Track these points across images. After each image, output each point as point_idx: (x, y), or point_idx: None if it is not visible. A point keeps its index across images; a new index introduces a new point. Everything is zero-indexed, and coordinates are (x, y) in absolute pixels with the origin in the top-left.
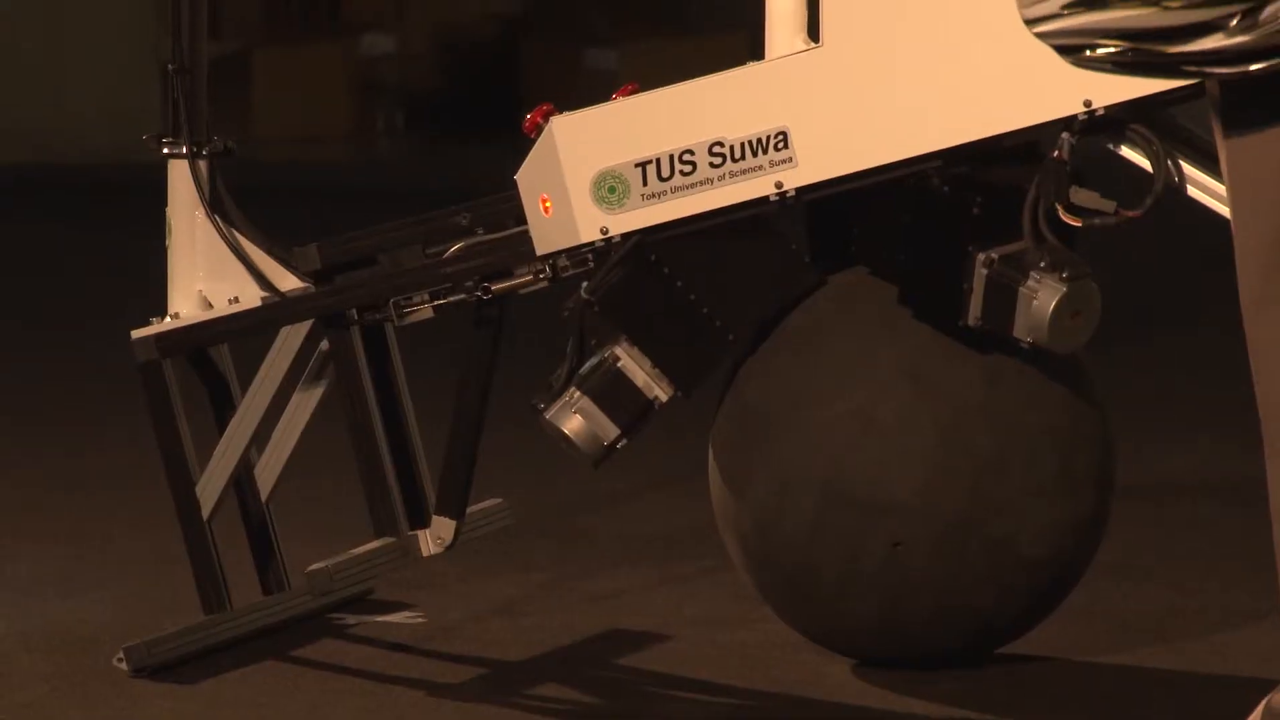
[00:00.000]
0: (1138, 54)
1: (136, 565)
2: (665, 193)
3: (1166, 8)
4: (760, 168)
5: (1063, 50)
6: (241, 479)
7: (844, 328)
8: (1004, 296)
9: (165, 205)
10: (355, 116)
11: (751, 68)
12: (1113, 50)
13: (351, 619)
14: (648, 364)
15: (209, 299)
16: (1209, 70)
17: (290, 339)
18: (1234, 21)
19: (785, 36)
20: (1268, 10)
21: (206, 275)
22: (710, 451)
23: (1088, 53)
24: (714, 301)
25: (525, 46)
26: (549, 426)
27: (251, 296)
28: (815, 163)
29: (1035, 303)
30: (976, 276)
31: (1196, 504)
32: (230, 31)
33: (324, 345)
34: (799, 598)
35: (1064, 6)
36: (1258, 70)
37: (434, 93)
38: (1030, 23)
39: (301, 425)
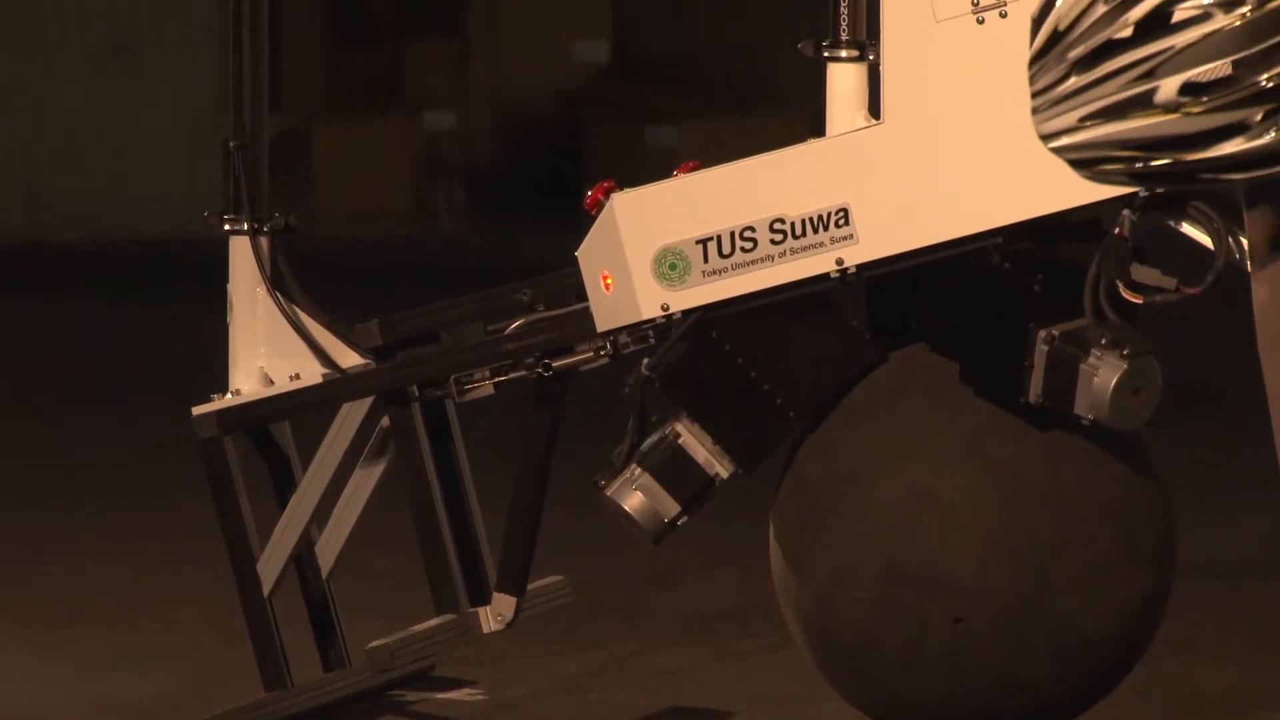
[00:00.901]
0: (1152, 165)
1: (198, 642)
2: (726, 269)
3: (1188, 113)
4: (821, 244)
5: (1077, 165)
6: (302, 556)
7: (904, 404)
8: (1065, 373)
9: (227, 281)
10: (417, 193)
11: (812, 145)
12: (1126, 164)
13: (412, 696)
14: (708, 441)
15: (270, 375)
16: (1225, 177)
17: (351, 415)
18: (1257, 121)
19: (846, 113)
20: None
21: (268, 351)
22: (771, 528)
23: (1103, 166)
24: (775, 378)
25: (587, 123)
26: (610, 503)
27: (313, 373)
28: (876, 239)
29: (1096, 380)
30: (1038, 353)
31: (1260, 582)
32: (292, 107)
33: (385, 422)
34: (860, 675)
35: (1082, 119)
36: (1274, 173)
37: (496, 169)
38: (1046, 138)
39: (362, 502)
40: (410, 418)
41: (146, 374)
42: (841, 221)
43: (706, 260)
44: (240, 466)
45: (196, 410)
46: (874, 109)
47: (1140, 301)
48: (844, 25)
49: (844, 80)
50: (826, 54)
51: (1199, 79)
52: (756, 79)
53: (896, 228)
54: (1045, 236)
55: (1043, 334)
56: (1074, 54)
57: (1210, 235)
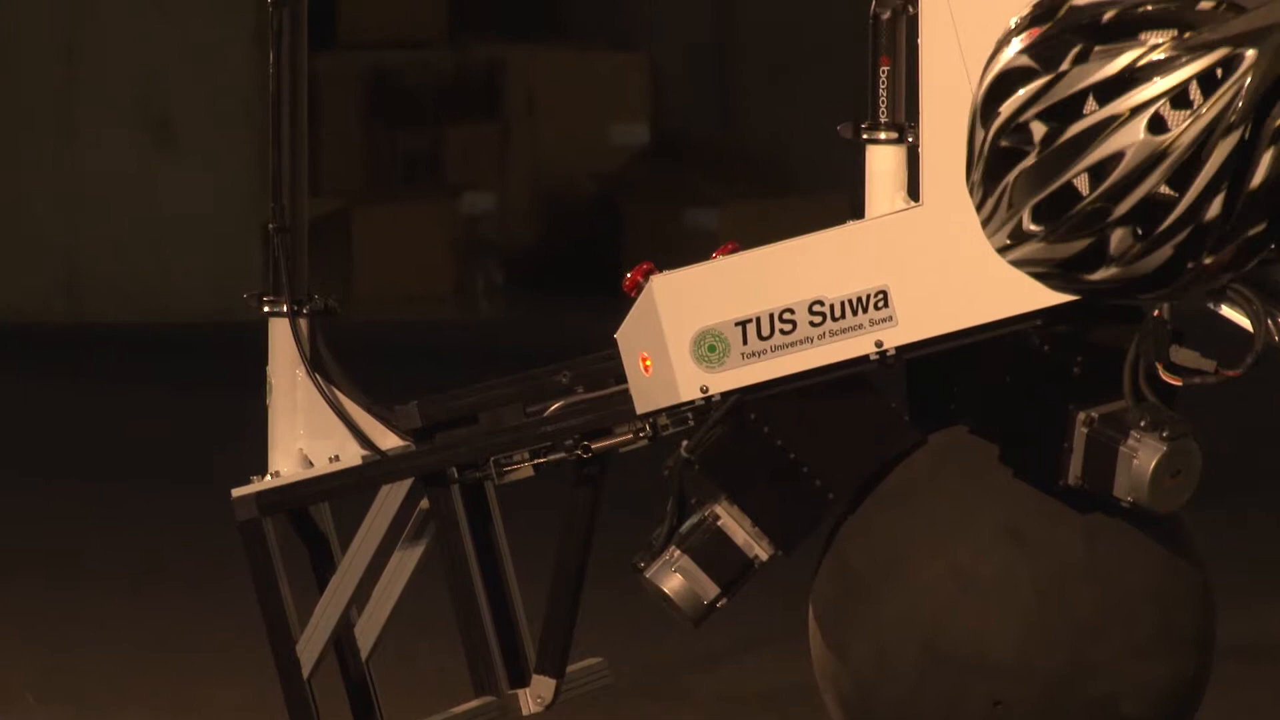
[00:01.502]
0: (1073, 283)
1: None
2: (765, 351)
3: (1050, 240)
4: (860, 326)
5: (1032, 276)
6: (342, 638)
7: (943, 486)
8: (1104, 456)
9: (266, 363)
10: (455, 275)
11: (851, 226)
12: (1059, 280)
13: None
14: (748, 523)
15: (310, 457)
16: (1138, 298)
17: (391, 497)
18: (1111, 246)
19: (885, 195)
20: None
21: (307, 433)
22: (810, 610)
23: (1046, 280)
24: (814, 460)
25: (626, 206)
26: (649, 585)
27: (352, 455)
28: (916, 322)
29: (1136, 462)
30: (1077, 435)
31: None
32: (331, 189)
33: (424, 504)
34: None
35: (1005, 242)
36: (1149, 299)
37: (535, 251)
38: (999, 252)
39: (402, 584)
40: (450, 499)
41: (185, 456)
42: (881, 303)
43: (745, 342)
44: (280, 548)
45: (236, 492)
46: (913, 191)
47: (1179, 384)
48: (883, 107)
49: (883, 162)
50: (865, 136)
51: (1046, 203)
52: (795, 161)
53: (936, 310)
54: (1084, 318)
55: (1082, 416)
56: (974, 178)
57: (1249, 317)
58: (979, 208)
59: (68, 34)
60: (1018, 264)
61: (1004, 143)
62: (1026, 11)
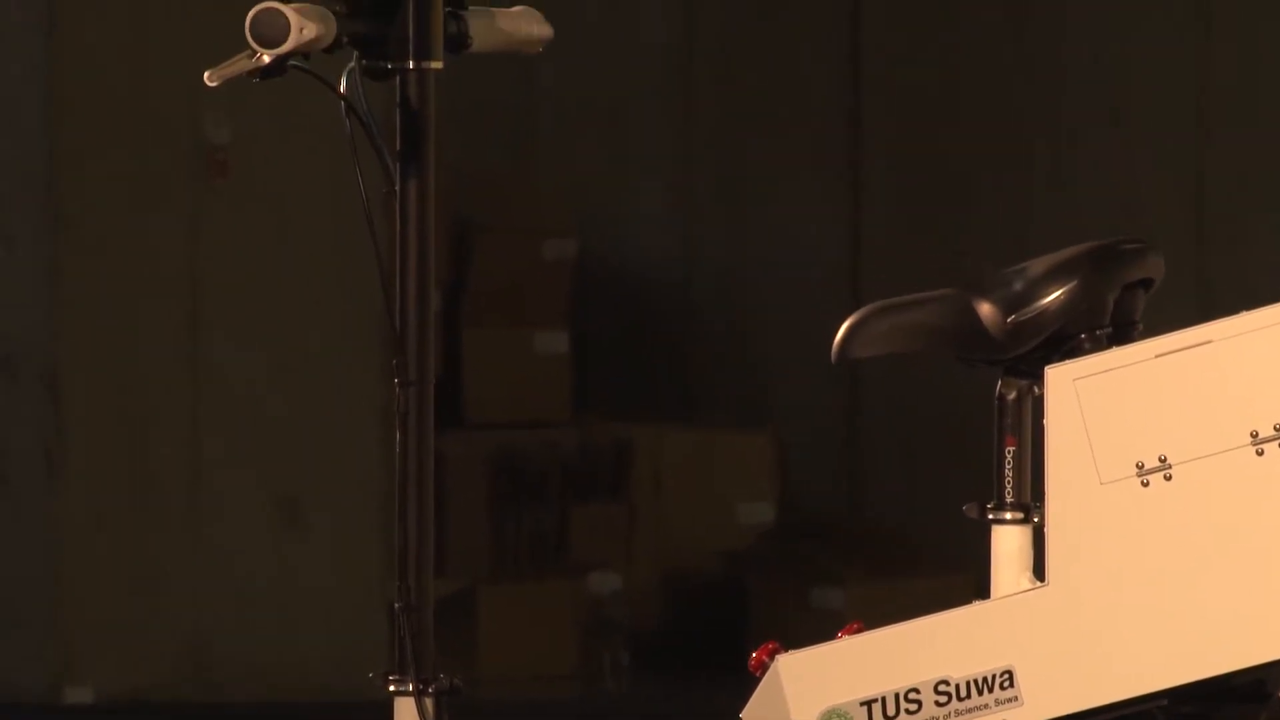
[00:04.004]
0: None
1: None
2: None
3: None
4: (985, 706)
5: None
6: None
7: None
8: None
9: None
10: (582, 654)
11: (977, 607)
12: None
13: None
14: None
15: None
16: None
17: None
18: None
19: (1011, 575)
20: None
21: None
22: None
23: None
24: None
25: (752, 585)
26: None
27: None
28: (1041, 702)
29: None
30: None
31: None
32: (456, 569)
33: None
34: None
35: None
36: None
37: (660, 630)
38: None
39: None
40: None
41: None
42: (1006, 684)
43: None
44: None
45: None
46: (1038, 571)
47: None
48: (1008, 488)
49: (1008, 542)
50: (991, 516)
51: None
52: (921, 541)
53: (1061, 690)
54: (1210, 697)
55: None
56: None
57: None
58: None
59: (196, 409)
60: None
61: None
62: None
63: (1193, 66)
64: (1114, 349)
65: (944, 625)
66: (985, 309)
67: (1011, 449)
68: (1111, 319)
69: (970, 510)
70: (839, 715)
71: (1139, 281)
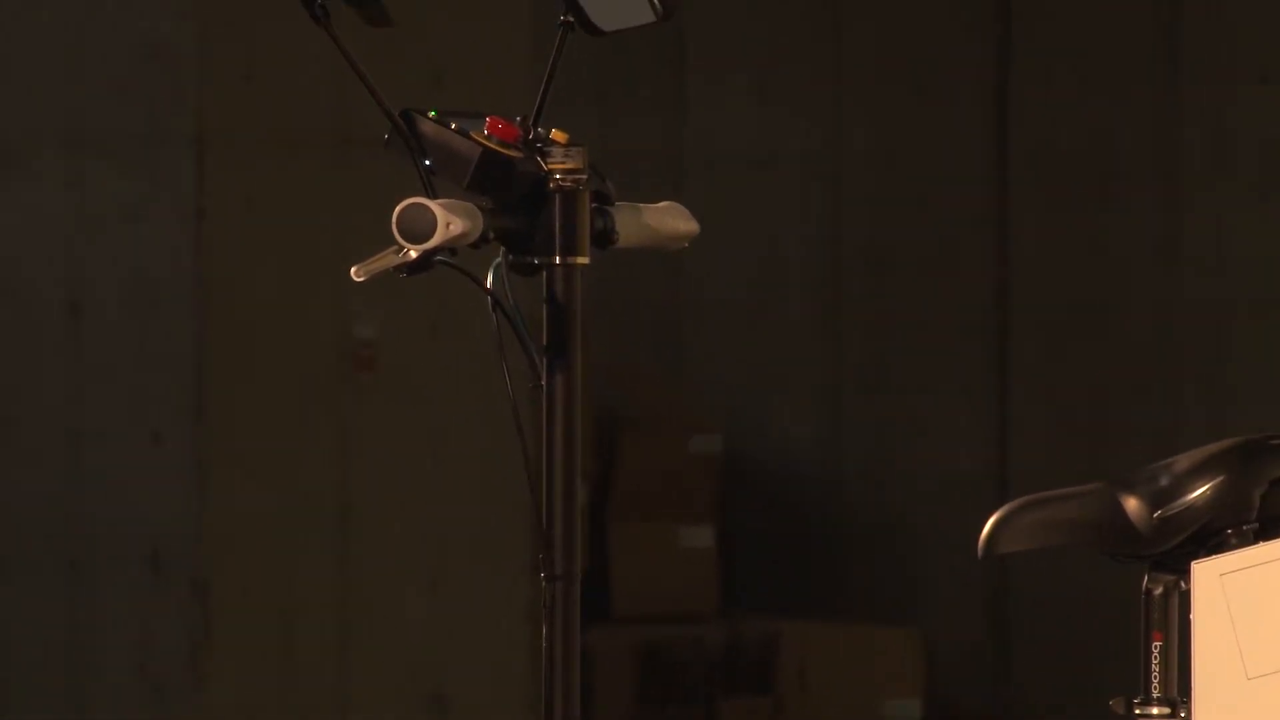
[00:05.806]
0: None
1: None
2: None
3: None
4: None
5: None
6: None
7: None
8: None
9: None
10: None
11: None
12: None
13: None
14: None
15: None
16: None
17: None
18: None
19: None
20: None
21: None
22: None
23: None
24: None
25: None
26: None
27: None
28: None
29: None
30: None
31: None
32: None
33: None
34: None
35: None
36: None
37: None
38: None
39: None
40: None
41: None
42: None
43: None
44: None
45: None
46: None
47: None
48: (1155, 682)
49: None
50: (1138, 711)
51: None
52: None
53: None
54: None
55: None
56: None
57: None
58: None
59: (344, 607)
60: None
61: None
62: None
63: None
64: (1261, 544)
65: None
66: (1132, 504)
67: (1158, 644)
68: (1258, 514)
69: (1117, 705)
70: None
71: None
